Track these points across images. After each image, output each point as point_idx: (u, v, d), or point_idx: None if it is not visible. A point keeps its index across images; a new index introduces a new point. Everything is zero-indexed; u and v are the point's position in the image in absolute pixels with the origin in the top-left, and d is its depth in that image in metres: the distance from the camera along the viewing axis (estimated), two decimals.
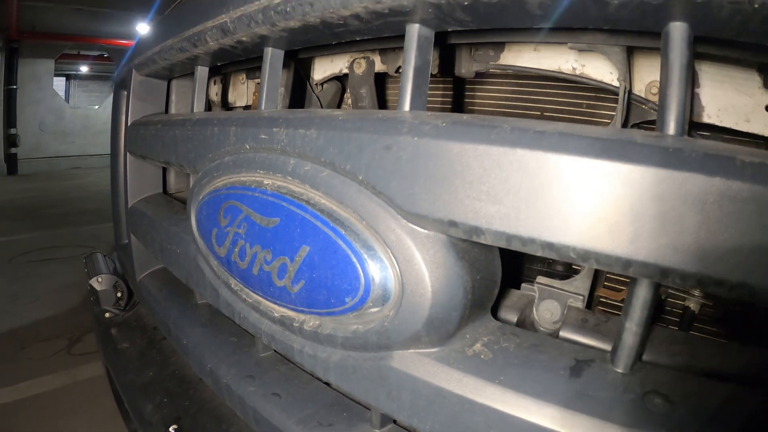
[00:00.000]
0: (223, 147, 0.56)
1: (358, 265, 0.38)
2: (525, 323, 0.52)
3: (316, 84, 1.01)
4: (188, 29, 0.72)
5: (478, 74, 0.81)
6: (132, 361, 1.02)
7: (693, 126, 0.66)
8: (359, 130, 0.38)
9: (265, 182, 0.47)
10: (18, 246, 4.08)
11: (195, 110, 0.80)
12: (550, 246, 0.30)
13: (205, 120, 0.62)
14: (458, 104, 1.00)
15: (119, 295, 1.13)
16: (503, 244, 0.32)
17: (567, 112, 0.91)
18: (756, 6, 0.30)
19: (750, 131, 0.59)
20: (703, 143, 0.32)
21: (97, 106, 10.34)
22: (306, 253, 0.42)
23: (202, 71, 0.80)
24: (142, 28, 8.91)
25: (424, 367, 0.37)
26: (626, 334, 0.36)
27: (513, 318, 0.50)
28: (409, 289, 0.36)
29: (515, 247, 0.31)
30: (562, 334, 0.47)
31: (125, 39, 9.19)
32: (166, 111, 1.05)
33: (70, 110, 9.47)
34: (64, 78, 11.51)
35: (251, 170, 0.50)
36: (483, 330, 0.40)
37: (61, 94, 10.73)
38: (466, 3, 0.37)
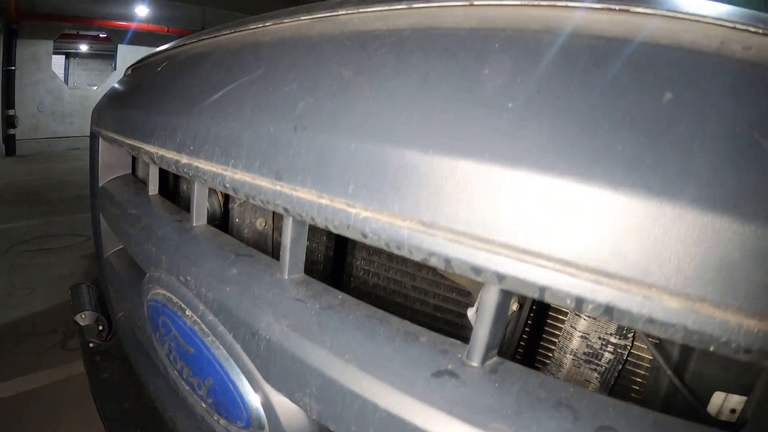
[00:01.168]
0: (159, 267, 0.68)
1: (241, 404, 0.51)
2: None
3: None
4: (129, 137, 0.82)
5: None
6: (112, 391, 1.16)
7: None
8: (236, 311, 0.51)
9: (187, 313, 0.61)
10: (16, 234, 4.16)
11: (150, 192, 0.92)
12: None
13: (147, 234, 0.74)
14: None
15: (101, 328, 1.27)
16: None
17: None
18: None
19: None
20: None
21: (96, 87, 10.36)
22: (210, 383, 0.56)
23: (153, 166, 0.91)
24: (141, 10, 8.88)
25: None
26: None
27: None
28: (273, 428, 0.50)
29: None
30: None
31: (124, 20, 9.16)
32: (133, 172, 1.17)
33: (69, 91, 9.48)
34: (64, 56, 11.48)
35: (179, 296, 0.63)
36: None
37: (61, 72, 10.70)
38: None
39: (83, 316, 1.23)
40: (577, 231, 0.28)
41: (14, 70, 8.09)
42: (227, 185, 0.52)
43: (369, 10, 0.51)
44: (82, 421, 1.91)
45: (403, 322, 0.45)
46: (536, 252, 0.29)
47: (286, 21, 0.62)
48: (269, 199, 0.46)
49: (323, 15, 0.57)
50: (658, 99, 0.29)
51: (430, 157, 0.34)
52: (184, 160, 0.59)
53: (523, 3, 0.40)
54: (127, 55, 9.81)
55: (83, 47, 11.35)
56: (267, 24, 0.65)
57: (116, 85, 1.24)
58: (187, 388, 0.67)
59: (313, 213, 0.41)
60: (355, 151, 0.37)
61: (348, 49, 0.46)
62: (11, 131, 8.19)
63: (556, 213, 0.29)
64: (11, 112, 8.14)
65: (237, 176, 0.50)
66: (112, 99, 1.14)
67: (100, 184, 1.12)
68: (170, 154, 0.63)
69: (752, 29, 0.32)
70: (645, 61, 0.32)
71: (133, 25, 9.30)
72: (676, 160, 0.27)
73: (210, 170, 0.54)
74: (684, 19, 0.34)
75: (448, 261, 0.32)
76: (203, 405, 0.63)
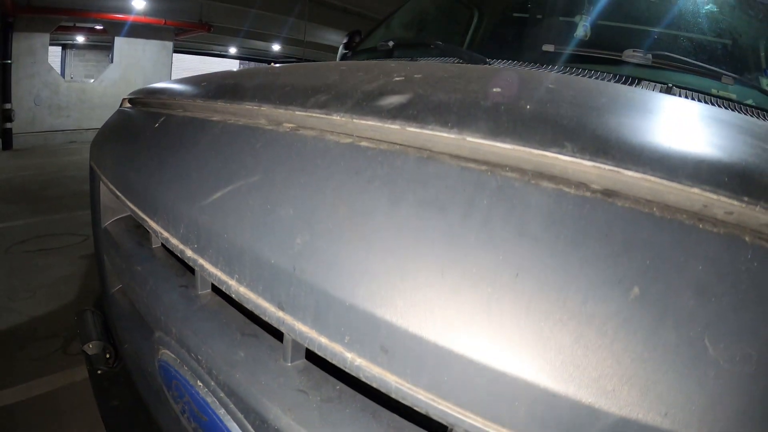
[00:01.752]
0: (168, 334, 0.72)
1: None
2: None
3: None
4: (131, 202, 0.83)
5: None
6: (122, 419, 1.19)
7: None
8: (245, 397, 0.55)
9: (199, 384, 0.66)
10: (15, 233, 4.19)
11: (153, 245, 0.93)
12: None
13: (153, 298, 0.77)
14: None
15: (108, 356, 1.32)
16: None
17: None
18: None
19: None
20: None
21: (92, 80, 10.33)
22: None
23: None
24: (138, 3, 8.82)
25: None
26: None
27: None
28: None
29: None
30: None
31: (121, 13, 9.11)
32: None
33: (66, 84, 9.48)
34: (61, 47, 11.40)
35: (189, 368, 0.66)
36: None
37: (57, 63, 10.64)
38: None
39: (91, 346, 1.27)
40: (533, 415, 0.33)
41: (10, 63, 8.07)
42: (233, 294, 0.55)
43: (363, 121, 0.53)
44: (86, 429, 1.95)
45: (393, 416, 0.50)
46: (500, 421, 0.34)
47: (280, 108, 0.64)
48: (273, 321, 0.50)
49: (318, 114, 0.59)
50: (626, 292, 0.32)
51: (416, 331, 0.38)
52: (189, 253, 0.62)
53: (514, 147, 0.43)
54: (124, 47, 9.77)
55: (80, 38, 11.28)
56: (262, 107, 0.67)
57: (114, 119, 1.24)
58: None
59: (313, 347, 0.45)
60: (350, 309, 0.41)
61: (343, 172, 0.49)
62: (8, 125, 8.20)
63: (517, 397, 0.33)
64: (7, 105, 8.14)
65: (242, 290, 0.53)
66: (110, 139, 1.16)
67: (103, 226, 1.14)
68: (174, 241, 0.66)
69: (736, 202, 0.36)
70: (624, 236, 0.35)
71: (131, 17, 9.24)
72: (620, 372, 0.31)
73: (215, 274, 0.57)
74: (671, 186, 0.38)
75: (427, 413, 0.37)
76: None
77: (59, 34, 10.01)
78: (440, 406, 0.35)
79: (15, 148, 8.33)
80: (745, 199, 0.36)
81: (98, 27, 10.16)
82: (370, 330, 0.40)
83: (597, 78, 1.20)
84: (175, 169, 0.72)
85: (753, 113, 1.10)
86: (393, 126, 0.49)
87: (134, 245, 0.98)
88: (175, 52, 11.30)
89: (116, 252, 1.01)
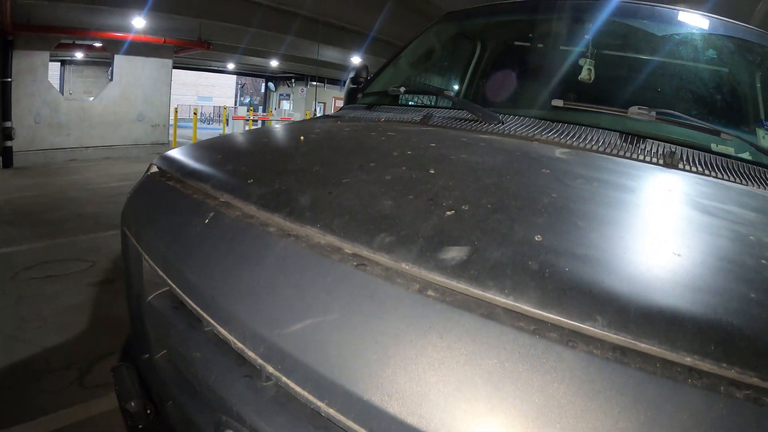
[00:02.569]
0: (239, 422, 0.78)
1: None
2: None
3: None
4: (189, 296, 0.91)
5: None
6: None
7: None
8: None
9: None
10: (21, 259, 4.20)
11: (206, 327, 0.98)
12: None
13: (219, 387, 0.84)
14: None
15: (149, 411, 1.38)
16: None
17: None
18: None
19: None
20: None
21: (92, 98, 10.39)
22: None
23: None
24: (138, 22, 8.92)
25: None
26: None
27: None
28: None
29: None
30: None
31: (121, 31, 9.21)
32: None
33: (66, 102, 9.57)
34: (59, 63, 11.45)
35: None
36: None
37: (56, 79, 10.67)
38: None
39: (133, 404, 1.34)
40: None
41: (10, 81, 8.13)
42: (322, 413, 0.61)
43: (430, 275, 0.63)
44: None
45: None
46: None
47: (346, 243, 0.73)
48: None
49: (386, 259, 0.67)
50: None
51: None
52: (271, 369, 0.69)
53: (559, 318, 0.54)
54: (124, 65, 9.84)
55: (78, 55, 11.32)
56: (326, 236, 0.75)
57: (146, 187, 1.29)
58: None
59: None
60: None
61: (418, 328, 0.58)
62: (8, 143, 8.24)
63: None
64: (8, 123, 8.18)
65: (331, 412, 0.59)
66: (148, 214, 1.21)
67: (147, 299, 1.20)
68: (252, 355, 0.72)
69: (716, 368, 0.49)
70: (632, 395, 0.47)
71: (130, 36, 9.34)
72: None
73: (302, 394, 0.64)
74: (671, 355, 0.50)
75: None
76: None
77: (58, 50, 10.09)
78: None
79: (16, 167, 8.37)
80: (723, 365, 0.48)
81: (97, 44, 10.24)
82: None
83: (606, 141, 1.31)
84: (245, 285, 0.80)
85: (750, 170, 1.23)
86: (458, 285, 0.60)
87: (186, 327, 1.05)
88: (174, 68, 11.39)
89: (167, 331, 1.09)
